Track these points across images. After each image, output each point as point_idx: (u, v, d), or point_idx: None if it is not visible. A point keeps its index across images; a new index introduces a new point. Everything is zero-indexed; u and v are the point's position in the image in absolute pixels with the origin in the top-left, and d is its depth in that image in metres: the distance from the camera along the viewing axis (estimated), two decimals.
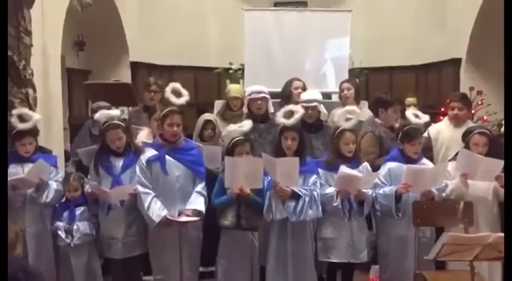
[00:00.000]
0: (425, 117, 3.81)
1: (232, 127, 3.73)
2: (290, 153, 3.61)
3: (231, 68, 7.55)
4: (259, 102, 4.32)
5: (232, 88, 4.91)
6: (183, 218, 3.49)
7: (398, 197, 3.54)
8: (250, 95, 4.38)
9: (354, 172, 3.54)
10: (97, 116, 3.94)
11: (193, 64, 8.91)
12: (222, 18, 8.91)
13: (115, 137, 3.67)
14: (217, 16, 9.02)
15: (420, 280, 3.31)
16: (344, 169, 3.50)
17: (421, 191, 3.53)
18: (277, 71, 6.67)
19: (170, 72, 8.88)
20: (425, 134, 4.10)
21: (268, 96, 4.37)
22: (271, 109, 4.41)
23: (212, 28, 9.16)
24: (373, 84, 8.07)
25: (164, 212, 3.50)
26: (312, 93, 4.36)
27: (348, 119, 3.67)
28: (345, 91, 4.93)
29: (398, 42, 8.40)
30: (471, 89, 6.17)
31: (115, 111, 3.84)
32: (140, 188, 3.56)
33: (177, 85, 3.77)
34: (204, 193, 3.61)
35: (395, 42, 8.44)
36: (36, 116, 3.78)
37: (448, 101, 4.51)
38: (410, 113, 3.83)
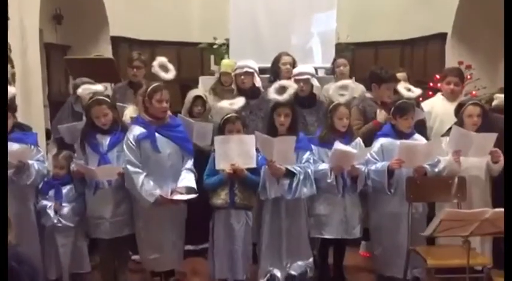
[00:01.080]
0: (417, 91, 3.75)
1: (223, 104, 3.63)
2: (283, 129, 3.53)
3: (215, 43, 7.35)
4: (242, 77, 4.23)
5: (224, 63, 4.79)
6: (178, 197, 3.41)
7: (390, 173, 3.50)
8: (235, 70, 4.28)
9: (348, 148, 3.49)
10: (80, 91, 3.80)
11: (176, 39, 8.67)
12: None
13: (100, 113, 3.54)
14: None
15: (414, 255, 3.30)
16: (338, 146, 3.44)
17: (413, 167, 3.49)
18: (263, 45, 6.55)
19: (152, 47, 8.64)
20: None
21: (252, 70, 4.26)
22: (258, 83, 4.31)
23: (196, 2, 8.92)
24: (358, 59, 7.97)
25: (158, 192, 3.41)
26: (304, 66, 4.26)
27: (342, 95, 3.59)
28: (341, 67, 4.87)
29: (383, 17, 8.27)
30: (460, 63, 6.12)
31: (99, 87, 3.70)
32: (130, 168, 3.44)
33: (164, 59, 3.64)
34: (193, 169, 3.54)
35: (381, 16, 8.31)
36: (12, 89, 3.61)
37: (439, 76, 4.45)
38: (402, 86, 3.77)
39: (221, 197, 3.45)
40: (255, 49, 6.46)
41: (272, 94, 3.55)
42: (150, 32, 8.48)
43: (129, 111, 4.04)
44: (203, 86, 5.50)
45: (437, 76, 5.33)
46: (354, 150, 3.49)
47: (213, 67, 7.86)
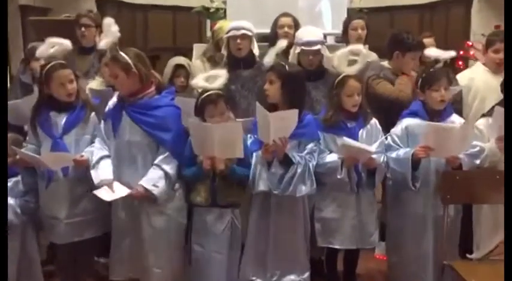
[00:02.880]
0: (448, 54, 2.98)
1: (197, 81, 2.87)
2: (273, 101, 2.80)
3: (211, 7, 6.52)
4: (238, 41, 3.38)
5: (224, 25, 3.86)
6: (119, 192, 2.69)
7: (415, 163, 2.76)
8: (228, 32, 3.46)
9: (362, 145, 2.72)
10: (41, 49, 3.13)
11: (171, 3, 7.85)
12: None
13: (66, 79, 2.82)
14: None
15: (448, 272, 2.58)
16: (346, 141, 2.69)
17: (445, 157, 2.75)
18: (265, 8, 5.68)
19: (144, 11, 7.86)
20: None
21: (251, 33, 3.44)
22: (256, 51, 3.53)
23: None
24: (372, 26, 7.12)
25: (108, 177, 2.73)
26: (312, 32, 3.44)
27: (351, 63, 2.84)
28: (359, 30, 3.95)
29: None
30: (497, 27, 5.20)
31: (66, 42, 2.97)
32: (96, 143, 2.83)
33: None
34: (165, 167, 2.72)
35: None
36: None
37: (482, 43, 3.55)
38: (431, 50, 3.00)
39: (201, 194, 2.74)
40: (255, 13, 5.59)
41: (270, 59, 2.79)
42: None
43: (94, 85, 3.31)
44: (198, 55, 4.72)
45: (469, 43, 4.50)
46: (370, 148, 2.72)
47: (209, 33, 7.05)
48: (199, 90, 2.88)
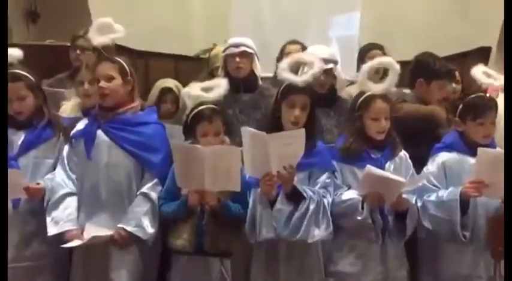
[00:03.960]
0: (501, 78, 2.48)
1: (193, 89, 2.36)
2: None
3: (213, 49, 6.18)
4: (237, 59, 2.91)
5: (221, 51, 3.38)
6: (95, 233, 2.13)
7: (463, 205, 2.18)
8: (226, 50, 3.00)
9: (391, 175, 2.16)
10: None
11: (173, 51, 7.53)
12: None
13: (14, 95, 2.33)
14: None
15: None
16: (372, 169, 2.13)
17: (502, 196, 2.14)
18: (271, 52, 5.35)
19: (146, 58, 7.54)
20: None
21: (252, 51, 2.99)
22: (258, 71, 3.05)
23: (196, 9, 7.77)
24: None
25: (68, 224, 2.22)
26: (324, 49, 2.98)
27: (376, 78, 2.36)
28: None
29: (412, 31, 7.09)
30: None
31: (16, 52, 2.48)
32: (57, 176, 2.30)
33: (104, 19, 2.44)
34: (153, 195, 2.24)
35: (409, 31, 7.12)
36: None
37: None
38: (479, 70, 2.51)
39: (183, 237, 2.13)
40: (260, 56, 5.28)
41: (285, 73, 2.26)
42: (143, 40, 7.35)
43: (65, 109, 2.79)
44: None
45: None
46: (402, 179, 2.16)
47: None
48: (190, 103, 2.34)
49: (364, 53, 3.60)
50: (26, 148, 2.36)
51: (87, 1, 6.58)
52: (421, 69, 2.84)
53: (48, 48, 4.24)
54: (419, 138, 2.53)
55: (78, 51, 3.39)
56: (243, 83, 2.91)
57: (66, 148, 2.35)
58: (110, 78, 2.26)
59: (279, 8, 5.65)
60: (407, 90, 2.92)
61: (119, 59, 2.33)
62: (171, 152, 2.18)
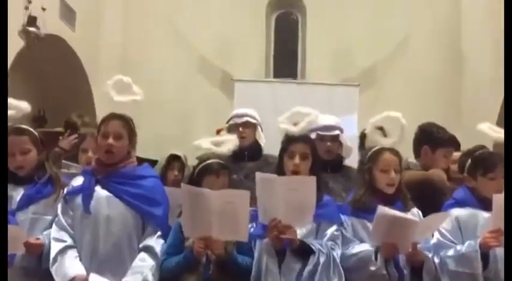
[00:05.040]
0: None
1: (204, 143, 2.38)
2: None
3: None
4: (241, 129, 2.98)
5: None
6: None
7: (484, 257, 2.08)
8: (229, 120, 3.08)
9: (403, 214, 2.11)
10: None
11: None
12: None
13: (16, 149, 2.30)
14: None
15: None
16: (384, 210, 2.08)
17: None
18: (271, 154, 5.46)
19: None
20: None
21: (255, 121, 3.07)
22: (262, 139, 3.09)
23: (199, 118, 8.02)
24: None
25: (80, 271, 2.09)
26: (330, 117, 3.05)
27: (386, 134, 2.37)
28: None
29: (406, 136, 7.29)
30: None
31: (24, 105, 2.51)
32: (54, 233, 2.20)
33: (124, 78, 2.51)
34: (157, 249, 2.16)
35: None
36: None
37: None
38: (486, 126, 2.54)
39: None
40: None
41: (283, 125, 2.31)
42: (145, 149, 7.46)
43: None
44: None
45: None
46: (414, 217, 2.11)
47: None
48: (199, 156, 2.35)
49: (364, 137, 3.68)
50: (25, 203, 2.29)
51: (95, 111, 6.89)
52: (425, 138, 2.87)
53: (57, 134, 4.29)
54: (420, 206, 2.46)
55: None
56: (247, 151, 2.94)
57: (59, 205, 2.28)
58: (119, 137, 2.28)
59: (279, 109, 5.84)
60: (412, 160, 2.93)
61: (129, 117, 2.37)
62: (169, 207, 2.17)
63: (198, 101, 7.61)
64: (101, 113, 6.51)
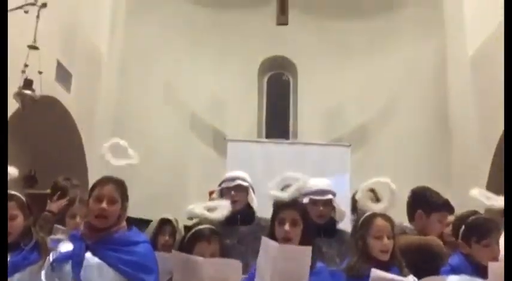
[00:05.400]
0: (501, 200, 2.49)
1: (199, 207, 2.36)
2: None
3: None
4: (232, 192, 2.97)
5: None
6: None
7: None
8: (221, 183, 3.07)
9: (398, 277, 2.08)
10: None
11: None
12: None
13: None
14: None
15: None
16: (378, 273, 2.05)
17: None
18: (264, 214, 5.42)
19: (141, 225, 7.43)
20: None
21: (246, 184, 3.06)
22: (254, 203, 3.07)
23: (192, 176, 8.02)
24: None
25: None
26: (322, 181, 3.05)
27: (378, 199, 2.37)
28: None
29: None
30: None
31: (12, 170, 2.49)
32: None
33: (121, 141, 2.52)
34: None
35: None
36: None
37: None
38: (477, 192, 2.54)
39: None
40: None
41: (272, 191, 2.31)
42: (136, 209, 7.37)
43: None
44: None
45: None
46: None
47: None
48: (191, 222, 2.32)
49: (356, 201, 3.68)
50: (11, 271, 2.21)
51: (87, 171, 6.87)
52: (419, 202, 2.87)
53: (47, 196, 4.25)
54: (417, 272, 2.44)
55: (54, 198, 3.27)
56: (240, 215, 2.91)
57: (43, 273, 2.22)
58: (113, 202, 2.26)
59: (272, 169, 5.86)
60: (407, 224, 2.91)
61: (123, 181, 2.36)
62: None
63: (191, 160, 7.64)
64: (93, 173, 6.52)
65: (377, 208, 2.33)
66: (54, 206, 3.19)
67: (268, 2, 7.48)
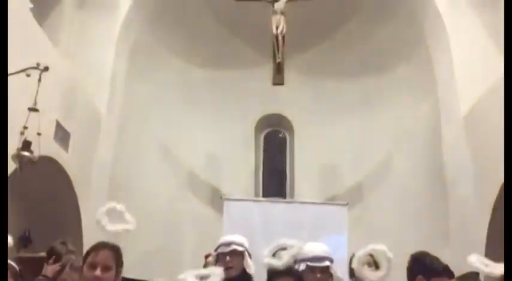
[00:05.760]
0: (500, 267, 2.47)
1: (191, 276, 2.33)
2: None
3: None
4: (227, 258, 2.92)
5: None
6: None
7: None
8: (217, 249, 3.03)
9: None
10: None
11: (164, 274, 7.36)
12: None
13: None
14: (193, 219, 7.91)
15: None
16: None
17: None
18: (261, 273, 5.33)
19: None
20: None
21: (242, 248, 3.02)
22: (251, 269, 3.01)
23: (188, 235, 7.94)
24: None
25: None
26: (319, 246, 3.01)
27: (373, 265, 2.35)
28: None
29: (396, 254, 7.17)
30: None
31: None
32: None
33: (118, 205, 2.52)
34: None
35: (393, 250, 7.21)
36: None
37: None
38: (475, 258, 2.52)
39: None
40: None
41: (266, 259, 2.29)
42: (130, 268, 7.22)
43: None
44: None
45: None
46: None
47: None
48: None
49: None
50: None
51: (82, 232, 6.79)
52: (419, 267, 2.82)
53: (41, 260, 4.19)
54: None
55: (50, 261, 3.23)
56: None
57: None
58: (107, 269, 2.22)
59: (269, 228, 5.82)
60: None
61: (118, 247, 2.34)
62: None
63: (187, 218, 7.57)
64: (88, 233, 6.42)
65: (374, 276, 2.30)
66: (49, 269, 3.14)
67: (264, 62, 7.69)
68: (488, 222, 6.01)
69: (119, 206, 2.47)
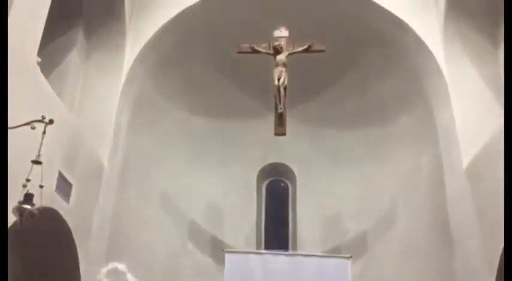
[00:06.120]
0: None
1: None
2: None
3: None
4: None
5: None
6: None
7: None
8: None
9: None
10: None
11: None
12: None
13: None
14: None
15: None
16: None
17: None
18: None
19: None
20: None
21: None
22: None
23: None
24: None
25: None
26: None
27: None
28: None
29: None
30: None
31: None
32: None
33: (119, 265, 2.48)
34: None
35: None
36: None
37: None
38: None
39: None
40: None
41: None
42: None
43: None
44: None
45: None
46: None
47: None
48: None
49: None
50: None
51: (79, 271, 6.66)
52: None
53: None
54: None
55: None
56: None
57: None
58: None
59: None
60: None
61: None
62: None
63: (188, 270, 7.42)
64: None
65: None
66: None
67: (266, 112, 7.75)
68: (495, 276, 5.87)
69: (121, 266, 2.44)
